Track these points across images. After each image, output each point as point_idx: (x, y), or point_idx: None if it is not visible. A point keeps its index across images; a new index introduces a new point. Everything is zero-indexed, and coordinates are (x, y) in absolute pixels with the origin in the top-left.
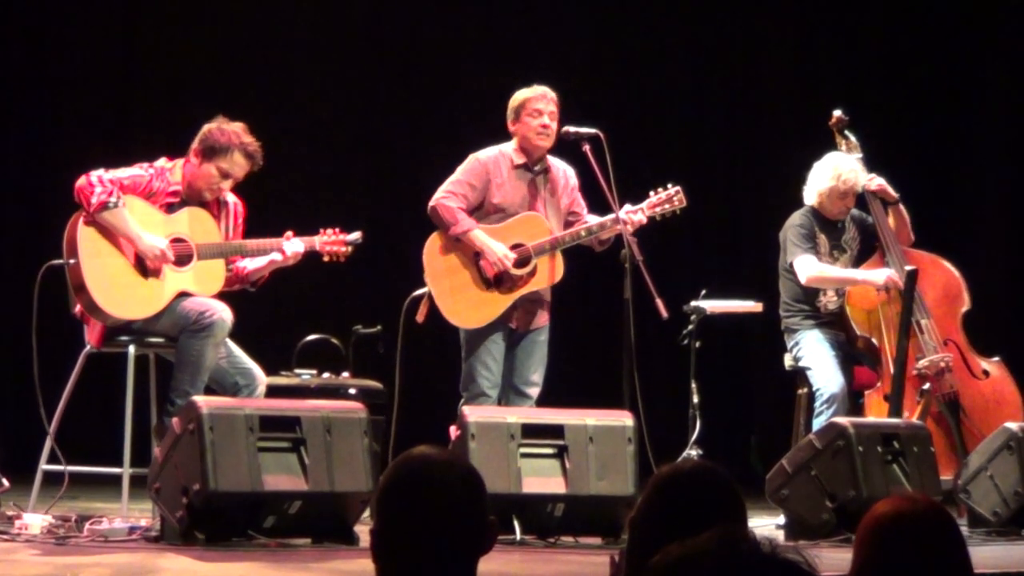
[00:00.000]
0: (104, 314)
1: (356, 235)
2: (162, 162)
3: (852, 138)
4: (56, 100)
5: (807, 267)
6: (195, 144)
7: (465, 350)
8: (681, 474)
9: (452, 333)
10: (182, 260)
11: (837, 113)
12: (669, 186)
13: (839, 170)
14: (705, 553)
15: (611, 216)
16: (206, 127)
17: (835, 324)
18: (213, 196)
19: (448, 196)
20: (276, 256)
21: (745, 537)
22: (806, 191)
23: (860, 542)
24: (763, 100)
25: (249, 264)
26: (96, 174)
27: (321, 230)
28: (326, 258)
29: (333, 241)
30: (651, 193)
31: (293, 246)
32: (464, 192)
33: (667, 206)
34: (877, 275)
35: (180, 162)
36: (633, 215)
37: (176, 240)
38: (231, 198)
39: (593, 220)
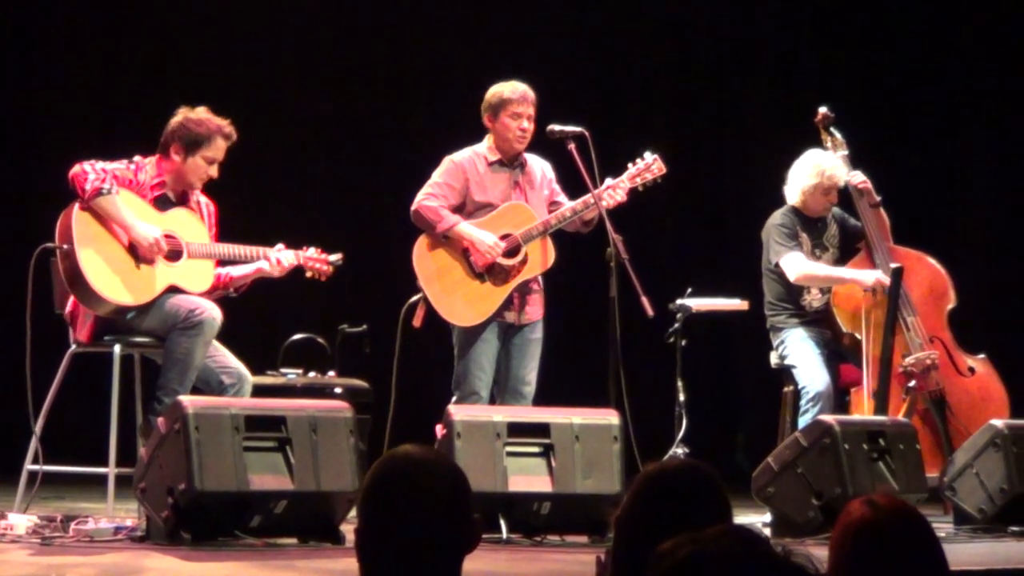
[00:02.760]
0: (98, 298)
1: (337, 256)
2: (137, 159)
3: (838, 135)
4: (44, 87)
5: (795, 265)
6: (172, 141)
7: (458, 349)
8: (667, 473)
9: (445, 334)
10: (172, 255)
11: (823, 110)
12: (647, 155)
13: (822, 166)
14: (721, 554)
15: (595, 192)
16: (176, 122)
17: (821, 322)
18: (202, 184)
19: (428, 197)
20: (263, 265)
21: (759, 539)
22: (788, 190)
23: (832, 549)
24: (748, 98)
25: (234, 271)
26: (89, 162)
27: (304, 247)
28: (308, 274)
29: (316, 259)
30: (629, 165)
31: (284, 257)
32: (444, 192)
33: (647, 175)
34: (866, 276)
35: (153, 160)
36: (614, 190)
37: (167, 236)
38: (202, 199)
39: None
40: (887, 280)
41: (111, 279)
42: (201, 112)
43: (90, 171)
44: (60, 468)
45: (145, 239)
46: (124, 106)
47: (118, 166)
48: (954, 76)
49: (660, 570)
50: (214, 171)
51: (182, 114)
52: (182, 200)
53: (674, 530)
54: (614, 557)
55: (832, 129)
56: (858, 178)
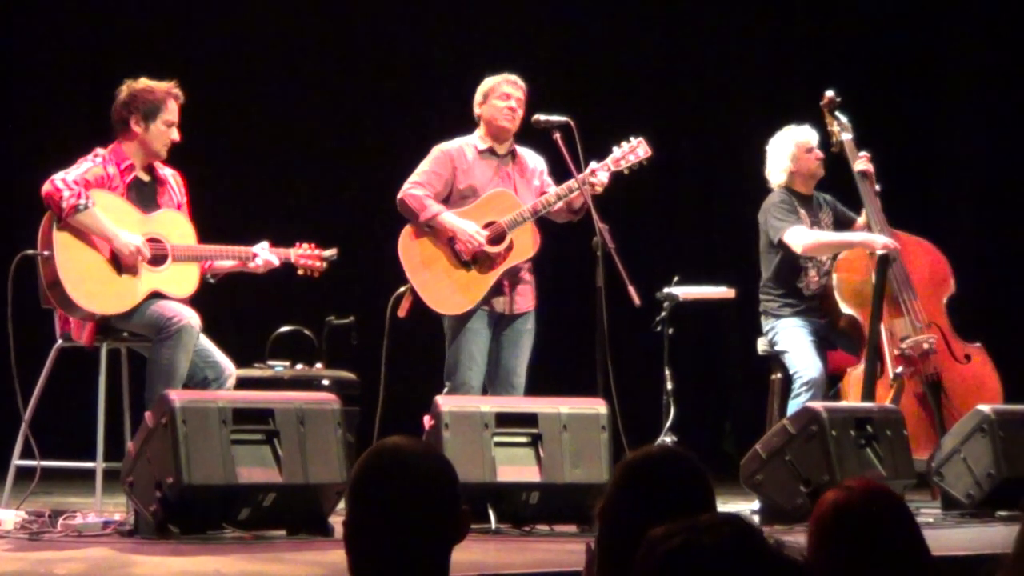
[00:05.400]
0: (76, 306)
1: (332, 252)
2: (100, 151)
3: (843, 119)
4: (28, 87)
5: (800, 237)
6: (129, 115)
7: (449, 339)
8: (648, 460)
9: (433, 325)
10: (157, 260)
11: (829, 93)
12: (631, 138)
13: (788, 133)
14: (714, 546)
15: (579, 176)
16: (125, 96)
17: (814, 311)
18: (167, 150)
19: (414, 186)
20: (249, 263)
21: (753, 531)
22: (770, 174)
23: (810, 535)
24: (737, 83)
25: (217, 261)
26: (60, 177)
27: (296, 244)
28: (300, 271)
29: (308, 255)
30: (614, 148)
31: (266, 256)
32: (430, 181)
33: (631, 157)
34: (876, 238)
35: (110, 148)
36: (599, 172)
37: (152, 240)
38: (167, 171)
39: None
40: (895, 245)
41: (89, 287)
42: (144, 81)
43: (63, 187)
44: (48, 463)
45: (127, 247)
46: (108, 107)
47: (87, 166)
48: (943, 59)
49: (652, 558)
50: (175, 134)
51: (127, 88)
52: (152, 176)
53: (656, 517)
54: (599, 544)
55: (837, 113)
56: (862, 164)
